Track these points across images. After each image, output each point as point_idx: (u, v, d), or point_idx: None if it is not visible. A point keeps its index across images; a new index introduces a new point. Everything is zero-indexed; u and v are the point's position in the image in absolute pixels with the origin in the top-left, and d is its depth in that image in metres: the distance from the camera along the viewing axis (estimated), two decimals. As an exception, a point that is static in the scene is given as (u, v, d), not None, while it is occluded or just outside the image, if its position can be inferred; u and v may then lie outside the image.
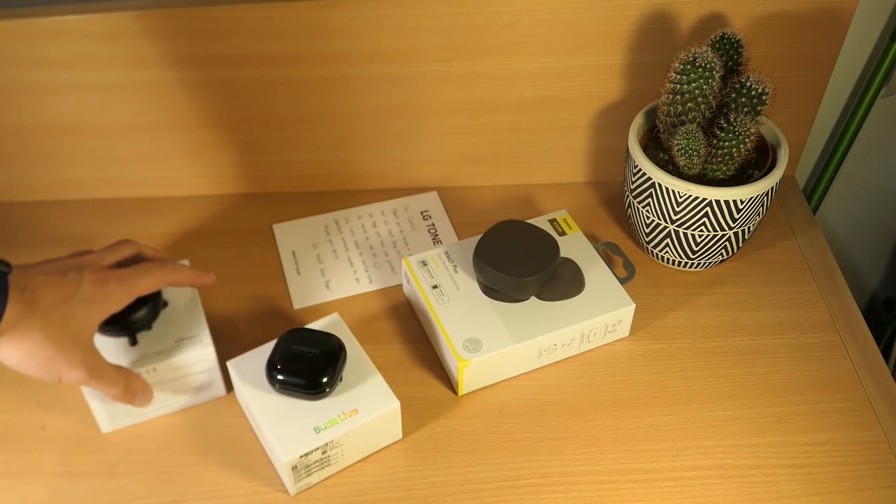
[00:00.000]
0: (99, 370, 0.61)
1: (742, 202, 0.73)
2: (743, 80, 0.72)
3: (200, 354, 0.67)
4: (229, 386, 0.71)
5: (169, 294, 0.70)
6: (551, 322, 0.71)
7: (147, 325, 0.67)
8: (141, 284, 0.64)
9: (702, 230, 0.75)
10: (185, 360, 0.67)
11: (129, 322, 0.65)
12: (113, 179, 0.87)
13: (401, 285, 0.81)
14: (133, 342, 0.67)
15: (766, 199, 0.75)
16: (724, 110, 0.73)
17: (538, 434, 0.69)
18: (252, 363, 0.67)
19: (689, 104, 0.72)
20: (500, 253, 0.72)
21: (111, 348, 0.66)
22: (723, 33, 0.74)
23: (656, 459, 0.67)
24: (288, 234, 0.86)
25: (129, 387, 0.63)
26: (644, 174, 0.75)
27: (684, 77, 0.71)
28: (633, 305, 0.73)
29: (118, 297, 0.62)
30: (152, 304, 0.67)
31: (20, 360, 0.57)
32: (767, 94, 0.71)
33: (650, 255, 0.83)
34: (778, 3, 0.78)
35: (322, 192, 0.90)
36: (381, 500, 0.64)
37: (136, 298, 0.65)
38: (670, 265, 0.82)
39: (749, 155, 0.76)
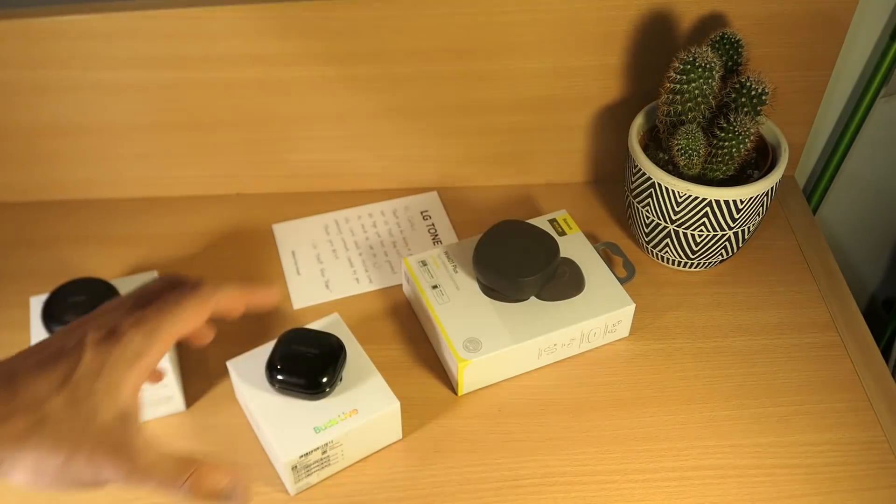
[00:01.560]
0: (142, 464, 0.43)
1: (742, 202, 0.73)
2: (743, 80, 0.72)
3: None
4: (189, 400, 0.70)
5: None
6: (551, 322, 0.71)
7: None
8: (168, 325, 0.46)
9: (702, 230, 0.75)
10: None
11: None
12: (113, 179, 0.87)
13: (401, 285, 0.80)
14: None
15: (766, 199, 0.75)
16: (724, 110, 0.73)
17: (538, 434, 0.69)
18: (252, 363, 0.67)
19: (689, 104, 0.72)
20: (500, 253, 0.72)
21: None
22: (723, 33, 0.74)
23: (656, 459, 0.67)
24: (288, 234, 0.86)
25: (199, 484, 0.45)
26: (644, 174, 0.75)
27: (684, 77, 0.71)
28: (633, 305, 0.73)
29: (141, 350, 0.44)
30: None
31: (32, 479, 0.42)
32: (767, 94, 0.71)
33: (650, 255, 0.83)
34: (778, 3, 0.78)
35: (322, 192, 0.90)
36: (381, 500, 0.64)
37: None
38: (670, 265, 0.82)
39: (749, 155, 0.76)
